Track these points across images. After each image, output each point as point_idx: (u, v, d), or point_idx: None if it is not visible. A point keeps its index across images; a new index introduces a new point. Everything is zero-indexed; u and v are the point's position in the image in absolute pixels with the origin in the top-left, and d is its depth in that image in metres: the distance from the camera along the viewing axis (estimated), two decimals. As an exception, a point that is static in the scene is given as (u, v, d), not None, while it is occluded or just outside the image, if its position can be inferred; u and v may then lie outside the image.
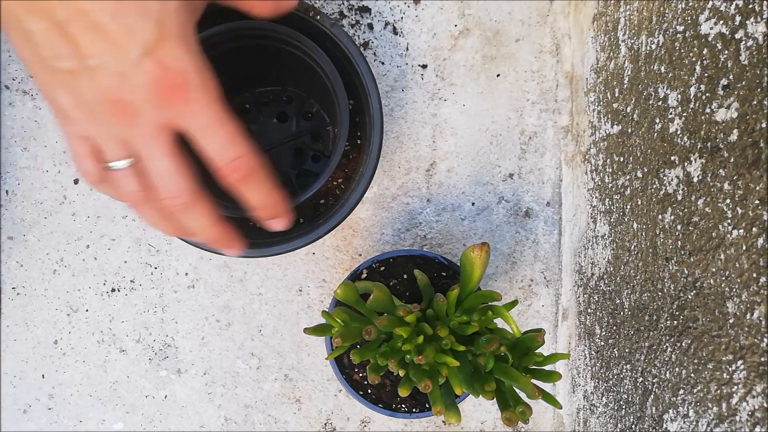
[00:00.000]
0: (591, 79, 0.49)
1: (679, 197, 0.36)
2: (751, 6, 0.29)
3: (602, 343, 0.47)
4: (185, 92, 0.28)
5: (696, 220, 0.34)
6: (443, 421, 0.56)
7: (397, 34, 0.53)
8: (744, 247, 0.30)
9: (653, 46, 0.39)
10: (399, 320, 0.37)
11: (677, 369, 0.36)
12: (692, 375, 0.35)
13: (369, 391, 0.48)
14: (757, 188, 0.29)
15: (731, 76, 0.30)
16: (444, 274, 0.48)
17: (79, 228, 0.54)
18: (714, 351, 0.32)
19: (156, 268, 0.54)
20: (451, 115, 0.54)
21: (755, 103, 0.28)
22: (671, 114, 0.36)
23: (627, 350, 0.43)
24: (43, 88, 0.30)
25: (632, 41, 0.42)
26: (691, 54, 0.34)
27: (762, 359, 0.29)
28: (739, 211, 0.30)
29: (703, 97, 0.33)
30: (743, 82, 0.29)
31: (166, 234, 0.36)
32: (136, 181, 0.31)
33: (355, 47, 0.41)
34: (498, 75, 0.54)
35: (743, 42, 0.29)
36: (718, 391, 0.32)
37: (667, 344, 0.37)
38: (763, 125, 0.28)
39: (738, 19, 0.30)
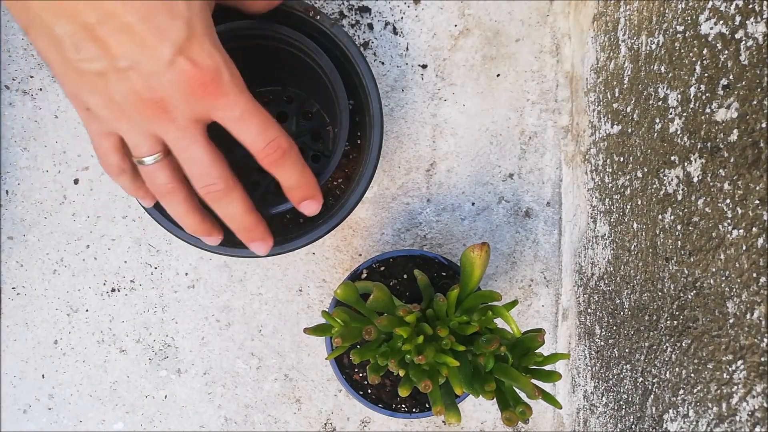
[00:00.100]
0: (591, 79, 0.49)
1: (679, 197, 0.36)
2: (751, 6, 0.29)
3: (602, 343, 0.47)
4: (218, 87, 0.30)
5: (696, 220, 0.34)
6: (443, 421, 0.56)
7: (397, 34, 0.53)
8: (744, 247, 0.30)
9: (653, 46, 0.39)
10: (399, 320, 0.37)
11: (677, 369, 0.36)
12: (692, 375, 0.35)
13: (369, 391, 0.48)
14: (757, 188, 0.29)
15: (731, 76, 0.30)
16: (444, 274, 0.48)
17: (79, 228, 0.54)
18: (714, 351, 0.32)
19: (156, 268, 0.54)
20: (451, 115, 0.54)
21: (755, 103, 0.28)
22: (671, 114, 0.36)
23: (627, 350, 0.43)
24: (69, 89, 0.31)
25: (632, 41, 0.42)
26: (691, 54, 0.34)
27: (762, 359, 0.29)
28: (739, 211, 0.30)
29: (703, 97, 0.33)
30: (743, 82, 0.29)
31: (187, 230, 0.37)
32: (168, 173, 0.33)
33: (355, 47, 0.41)
34: (498, 75, 0.54)
35: (743, 42, 0.29)
36: (718, 391, 0.32)
37: (667, 344, 0.37)
38: (763, 125, 0.28)
39: (738, 19, 0.30)
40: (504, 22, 0.53)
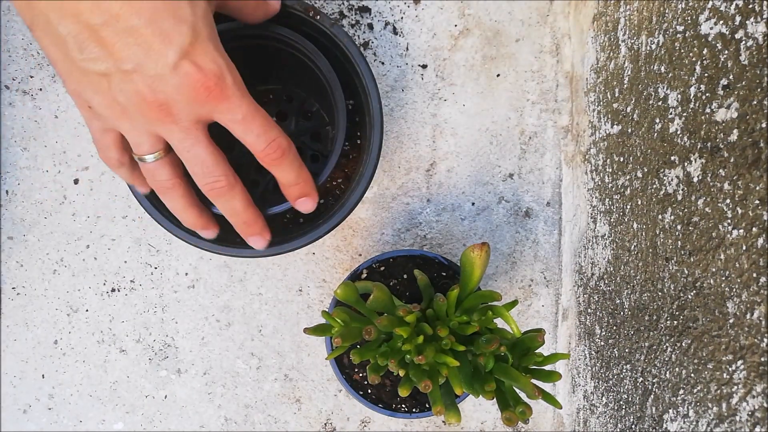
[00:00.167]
0: (591, 79, 0.49)
1: (679, 197, 0.36)
2: (751, 6, 0.29)
3: (602, 343, 0.47)
4: (221, 91, 0.31)
5: (696, 220, 0.34)
6: (443, 421, 0.56)
7: (397, 34, 0.53)
8: (744, 247, 0.30)
9: (653, 46, 0.39)
10: (399, 320, 0.37)
11: (677, 369, 0.36)
12: (692, 375, 0.35)
13: (369, 391, 0.48)
14: (757, 188, 0.29)
15: (731, 76, 0.30)
16: (444, 274, 0.48)
17: (79, 228, 0.54)
18: (714, 351, 0.32)
19: (156, 268, 0.54)
20: (451, 115, 0.54)
21: (755, 103, 0.28)
22: (671, 114, 0.36)
23: (627, 350, 0.43)
24: (71, 87, 0.31)
25: (632, 41, 0.42)
26: (691, 54, 0.34)
27: (762, 359, 0.29)
28: (739, 211, 0.30)
29: (703, 97, 0.33)
30: (743, 82, 0.29)
31: (185, 223, 0.38)
32: (168, 171, 0.34)
33: (355, 47, 0.41)
34: (498, 75, 0.54)
35: (743, 42, 0.29)
36: (718, 391, 0.32)
37: (667, 344, 0.37)
38: (763, 125, 0.28)
39: (738, 19, 0.30)
40: (504, 22, 0.53)
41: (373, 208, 0.54)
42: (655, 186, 0.39)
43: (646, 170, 0.40)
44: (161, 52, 0.29)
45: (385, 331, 0.37)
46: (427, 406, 0.48)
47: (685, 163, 0.35)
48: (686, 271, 0.35)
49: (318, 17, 0.41)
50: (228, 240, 0.42)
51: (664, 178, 0.37)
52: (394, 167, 0.54)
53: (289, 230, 0.46)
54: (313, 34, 0.42)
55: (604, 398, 0.47)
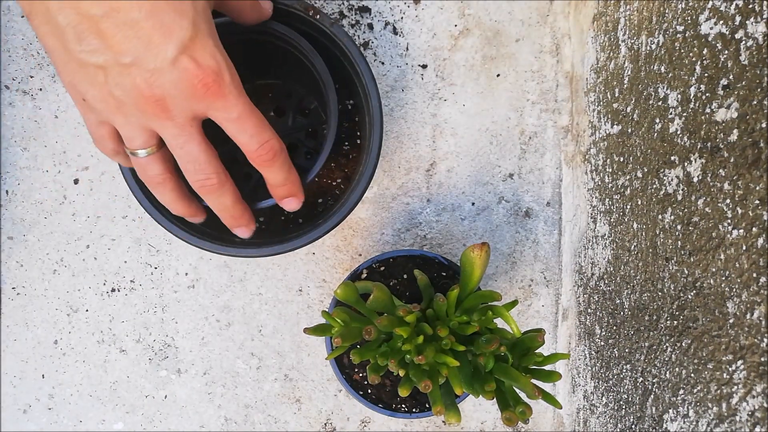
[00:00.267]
0: (591, 79, 0.49)
1: (679, 197, 0.36)
2: (751, 6, 0.29)
3: (602, 343, 0.47)
4: (219, 88, 0.31)
5: (696, 220, 0.34)
6: (443, 421, 0.56)
7: (397, 34, 0.53)
8: (744, 247, 0.30)
9: (653, 46, 0.39)
10: (399, 320, 0.37)
11: (677, 369, 0.36)
12: (692, 375, 0.35)
13: (369, 391, 0.48)
14: (757, 188, 0.29)
15: (731, 76, 0.30)
16: (444, 274, 0.48)
17: (79, 228, 0.54)
18: (714, 351, 0.32)
19: (156, 268, 0.54)
20: (451, 115, 0.54)
21: (755, 103, 0.28)
22: (671, 114, 0.36)
23: (627, 350, 0.43)
24: (66, 79, 0.31)
25: (632, 41, 0.42)
26: (691, 54, 0.34)
27: (762, 359, 0.29)
28: (739, 211, 0.30)
29: (703, 97, 0.33)
30: (743, 82, 0.29)
31: (174, 212, 0.38)
32: (160, 166, 0.34)
33: (354, 47, 0.41)
34: (498, 75, 0.54)
35: (743, 42, 0.29)
36: (718, 391, 0.32)
37: (667, 344, 0.37)
38: (763, 125, 0.28)
39: (738, 19, 0.30)
40: (504, 22, 0.53)
41: (373, 208, 0.54)
42: (655, 186, 0.39)
43: (646, 170, 0.40)
44: (161, 46, 0.29)
45: (385, 331, 0.37)
46: (427, 406, 0.48)
47: (685, 163, 0.35)
48: (686, 271, 0.35)
49: (318, 16, 0.41)
50: (228, 240, 0.42)
51: (664, 178, 0.37)
52: (394, 167, 0.54)
53: (289, 230, 0.46)
54: (312, 34, 0.42)
55: (604, 398, 0.47)
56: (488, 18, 0.53)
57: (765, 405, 0.28)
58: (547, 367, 0.44)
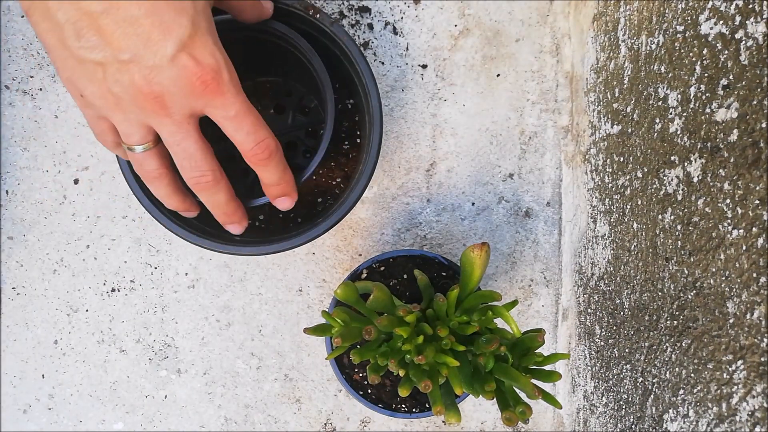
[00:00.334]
0: (591, 79, 0.49)
1: (679, 197, 0.36)
2: (751, 6, 0.29)
3: (602, 343, 0.47)
4: (218, 86, 0.31)
5: (696, 220, 0.34)
6: (443, 421, 0.56)
7: (397, 34, 0.53)
8: (744, 247, 0.30)
9: (653, 46, 0.39)
10: (399, 320, 0.37)
11: (677, 369, 0.36)
12: (692, 375, 0.35)
13: (369, 391, 0.48)
14: (757, 188, 0.29)
15: (731, 76, 0.30)
16: (444, 274, 0.48)
17: (79, 228, 0.54)
18: (714, 351, 0.32)
19: (156, 268, 0.54)
20: (451, 115, 0.54)
21: (755, 103, 0.28)
22: (671, 114, 0.36)
23: (627, 350, 0.43)
24: (64, 75, 0.31)
25: (632, 41, 0.42)
26: (691, 54, 0.34)
27: (762, 359, 0.29)
28: (739, 211, 0.30)
29: (703, 97, 0.33)
30: (743, 82, 0.29)
31: (168, 206, 0.39)
32: (156, 161, 0.35)
33: (355, 47, 0.41)
34: (498, 75, 0.54)
35: (743, 42, 0.29)
36: (718, 391, 0.32)
37: (667, 344, 0.37)
38: (763, 125, 0.28)
39: (738, 19, 0.30)
40: (504, 22, 0.53)
41: (373, 208, 0.54)
42: (655, 186, 0.39)
43: (646, 170, 0.40)
44: (160, 44, 0.29)
45: (385, 331, 0.37)
46: (427, 406, 0.48)
47: (685, 163, 0.35)
48: (686, 271, 0.35)
49: (318, 16, 0.41)
50: (227, 238, 0.42)
51: (664, 178, 0.37)
52: (394, 167, 0.54)
53: (288, 229, 0.46)
54: (313, 33, 0.42)
55: (604, 398, 0.47)
56: (488, 18, 0.53)
57: (765, 405, 0.28)
58: (547, 367, 0.44)
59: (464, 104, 0.54)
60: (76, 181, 0.53)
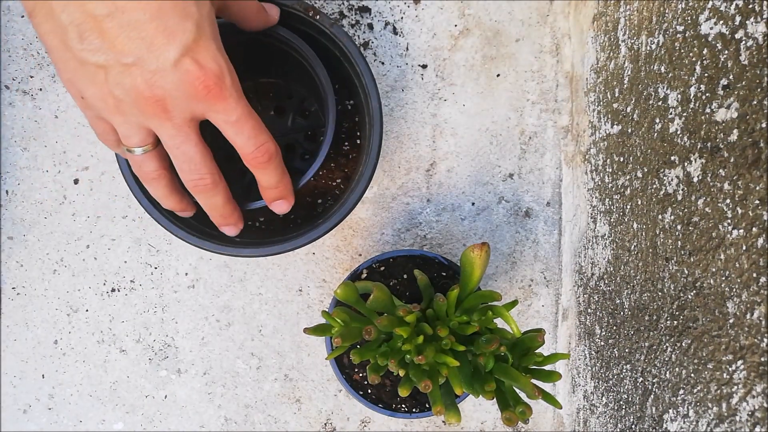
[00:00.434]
0: (591, 79, 0.49)
1: (679, 197, 0.36)
2: (751, 6, 0.29)
3: (602, 343, 0.47)
4: (220, 90, 0.31)
5: (696, 220, 0.34)
6: (443, 421, 0.56)
7: (397, 34, 0.53)
8: (744, 247, 0.30)
9: (653, 46, 0.39)
10: (399, 320, 0.37)
11: (677, 369, 0.36)
12: (692, 375, 0.35)
13: (369, 391, 0.48)
14: (757, 188, 0.29)
15: (731, 76, 0.30)
16: (444, 274, 0.48)
17: (79, 228, 0.54)
18: (714, 351, 0.32)
19: (156, 268, 0.54)
20: (451, 115, 0.54)
21: (755, 103, 0.28)
22: (671, 114, 0.36)
23: (627, 350, 0.43)
24: (65, 76, 0.31)
25: (632, 41, 0.42)
26: (691, 54, 0.34)
27: (762, 359, 0.29)
28: (739, 211, 0.30)
29: (703, 97, 0.33)
30: (743, 82, 0.29)
31: (165, 206, 0.39)
32: (155, 163, 0.35)
33: (354, 47, 0.41)
34: (498, 75, 0.54)
35: (743, 42, 0.29)
36: (718, 391, 0.32)
37: (667, 344, 0.37)
38: (763, 125, 0.28)
39: (738, 19, 0.30)
40: (504, 22, 0.53)
41: (373, 208, 0.54)
42: (655, 186, 0.39)
43: (646, 170, 0.40)
44: (164, 48, 0.29)
45: (385, 331, 0.37)
46: (427, 406, 0.48)
47: (685, 163, 0.35)
48: (686, 271, 0.35)
49: (318, 17, 0.41)
50: (228, 240, 0.42)
51: (664, 178, 0.37)
52: (394, 167, 0.54)
53: (288, 230, 0.46)
54: (312, 34, 0.42)
55: (604, 398, 0.47)
56: (488, 18, 0.53)
57: (765, 405, 0.28)
58: (547, 367, 0.44)
59: (464, 104, 0.54)
60: (76, 181, 0.53)
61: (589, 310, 0.50)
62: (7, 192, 0.53)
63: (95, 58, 0.29)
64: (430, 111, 0.54)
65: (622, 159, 0.44)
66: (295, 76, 0.48)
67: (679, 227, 0.36)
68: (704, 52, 0.33)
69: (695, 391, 0.34)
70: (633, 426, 0.42)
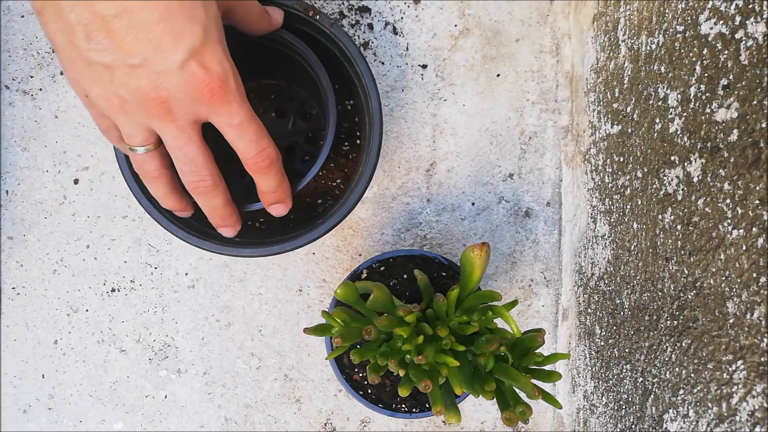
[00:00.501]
0: (591, 79, 0.49)
1: (679, 197, 0.36)
2: (751, 6, 0.29)
3: (602, 343, 0.47)
4: (224, 94, 0.31)
5: (696, 220, 0.34)
6: (443, 421, 0.56)
7: (397, 34, 0.53)
8: (744, 247, 0.30)
9: (653, 46, 0.39)
10: (399, 320, 0.37)
11: (677, 369, 0.36)
12: (692, 375, 0.35)
13: (369, 391, 0.48)
14: (757, 188, 0.29)
15: (731, 76, 0.30)
16: (444, 274, 0.48)
17: (79, 228, 0.54)
18: (714, 351, 0.32)
19: (156, 268, 0.54)
20: (451, 115, 0.54)
21: (755, 103, 0.28)
22: (671, 114, 0.36)
23: (627, 350, 0.43)
24: (71, 75, 0.31)
25: (632, 41, 0.42)
26: (691, 54, 0.34)
27: (762, 359, 0.29)
28: (739, 211, 0.30)
29: (703, 97, 0.33)
30: (743, 82, 0.29)
31: (164, 206, 0.39)
32: (157, 162, 0.35)
33: (354, 47, 0.41)
34: (498, 75, 0.54)
35: (743, 42, 0.29)
36: (718, 391, 0.32)
37: (667, 344, 0.37)
38: (763, 125, 0.28)
39: (738, 19, 0.30)
40: (504, 22, 0.53)
41: (373, 208, 0.54)
42: (655, 186, 0.39)
43: (646, 170, 0.40)
44: (170, 50, 0.29)
45: (385, 331, 0.37)
46: (427, 406, 0.48)
47: (685, 163, 0.35)
48: (686, 271, 0.35)
49: (318, 17, 0.41)
50: (228, 240, 0.42)
51: (664, 178, 0.37)
52: (394, 167, 0.54)
53: (288, 230, 0.46)
54: (312, 34, 0.42)
55: (604, 398, 0.47)
56: (488, 18, 0.53)
57: (765, 405, 0.28)
58: (547, 367, 0.44)
59: (464, 104, 0.54)
60: (76, 181, 0.53)
61: (589, 310, 0.50)
62: (7, 192, 0.53)
63: (102, 58, 0.29)
64: (430, 111, 0.54)
65: (622, 159, 0.44)
66: (297, 78, 0.48)
67: (679, 227, 0.36)
68: (704, 52, 0.33)
69: (695, 391, 0.34)
70: (633, 426, 0.42)
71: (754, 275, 0.29)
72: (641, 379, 0.41)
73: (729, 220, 0.31)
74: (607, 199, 0.46)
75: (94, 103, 0.32)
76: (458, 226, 0.55)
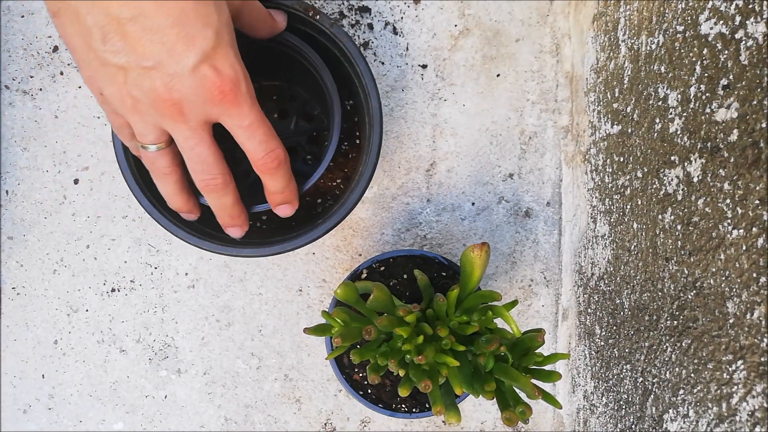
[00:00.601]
0: (591, 79, 0.49)
1: (679, 197, 0.36)
2: (751, 6, 0.29)
3: (602, 343, 0.47)
4: (235, 96, 0.32)
5: (696, 220, 0.34)
6: (443, 421, 0.56)
7: (397, 34, 0.53)
8: (744, 247, 0.30)
9: (653, 46, 0.39)
10: (399, 320, 0.37)
11: (677, 369, 0.36)
12: (692, 375, 0.35)
13: (369, 391, 0.48)
14: (757, 188, 0.29)
15: (731, 76, 0.30)
16: (444, 274, 0.48)
17: (79, 228, 0.54)
18: (714, 351, 0.32)
19: (156, 268, 0.54)
20: (451, 115, 0.54)
21: (755, 103, 0.28)
22: (671, 114, 0.36)
23: (627, 350, 0.43)
24: (86, 74, 0.32)
25: (632, 41, 0.42)
26: (691, 54, 0.34)
27: (762, 359, 0.29)
28: (739, 211, 0.30)
29: (703, 97, 0.33)
30: (743, 82, 0.29)
31: (171, 206, 0.39)
32: (168, 160, 0.36)
33: (354, 47, 0.41)
34: (498, 75, 0.54)
35: (743, 42, 0.29)
36: (718, 391, 0.32)
37: (667, 344, 0.37)
38: (763, 125, 0.28)
39: (738, 19, 0.30)
40: (504, 22, 0.53)
41: (373, 208, 0.54)
42: (655, 186, 0.39)
43: (646, 170, 0.40)
44: (184, 54, 0.30)
45: (385, 331, 0.37)
46: (427, 406, 0.48)
47: (685, 163, 0.35)
48: (686, 271, 0.35)
49: (318, 17, 0.41)
50: (228, 240, 0.42)
51: (664, 178, 0.37)
52: (394, 167, 0.54)
53: (288, 230, 0.46)
54: (312, 34, 0.42)
55: (604, 398, 0.47)
56: (488, 18, 0.53)
57: (765, 405, 0.28)
58: (547, 367, 0.44)
59: (464, 104, 0.54)
60: (76, 181, 0.53)
61: (589, 310, 0.50)
62: (7, 192, 0.53)
63: (117, 59, 0.30)
64: (430, 111, 0.54)
65: (622, 159, 0.44)
66: (299, 79, 0.48)
67: (679, 227, 0.36)
68: (704, 52, 0.33)
69: (695, 391, 0.34)
70: (633, 426, 0.42)
71: (754, 275, 0.29)
72: (641, 379, 0.41)
73: (729, 220, 0.31)
74: (607, 199, 0.46)
75: (108, 101, 0.33)
76: (458, 226, 0.55)
